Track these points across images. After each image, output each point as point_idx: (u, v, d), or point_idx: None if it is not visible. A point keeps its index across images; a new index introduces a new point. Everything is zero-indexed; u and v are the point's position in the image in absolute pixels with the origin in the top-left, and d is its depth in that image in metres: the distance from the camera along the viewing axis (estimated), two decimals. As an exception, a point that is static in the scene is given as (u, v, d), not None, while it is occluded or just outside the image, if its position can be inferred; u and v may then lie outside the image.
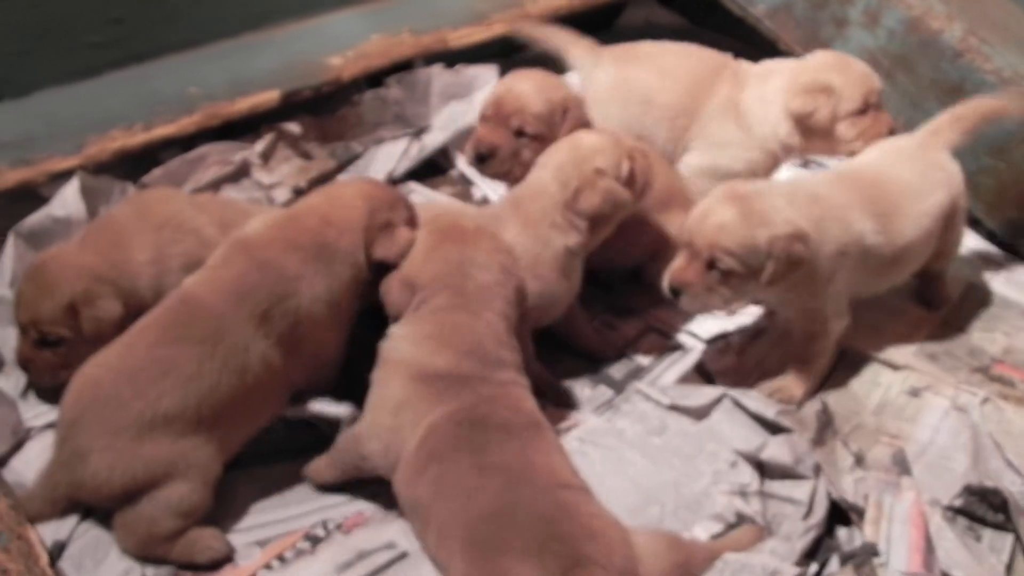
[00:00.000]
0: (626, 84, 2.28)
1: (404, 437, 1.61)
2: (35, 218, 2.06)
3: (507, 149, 1.99)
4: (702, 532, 1.67)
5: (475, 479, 1.52)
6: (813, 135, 2.16)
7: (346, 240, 1.73)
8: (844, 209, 1.89)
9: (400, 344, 1.68)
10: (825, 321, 1.92)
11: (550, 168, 1.90)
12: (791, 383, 1.94)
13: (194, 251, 1.86)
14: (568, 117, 2.02)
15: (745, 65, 2.32)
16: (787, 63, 2.28)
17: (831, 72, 2.15)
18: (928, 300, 2.19)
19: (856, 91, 2.13)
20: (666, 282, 1.82)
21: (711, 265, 1.78)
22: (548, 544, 1.44)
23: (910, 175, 2.01)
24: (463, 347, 1.65)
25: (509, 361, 1.68)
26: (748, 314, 2.13)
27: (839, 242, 1.87)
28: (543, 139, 1.99)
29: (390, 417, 1.63)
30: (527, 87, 2.03)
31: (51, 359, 1.80)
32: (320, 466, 1.74)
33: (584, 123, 2.06)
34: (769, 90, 2.20)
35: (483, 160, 2.00)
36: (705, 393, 1.90)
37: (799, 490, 1.72)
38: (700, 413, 1.87)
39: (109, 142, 2.15)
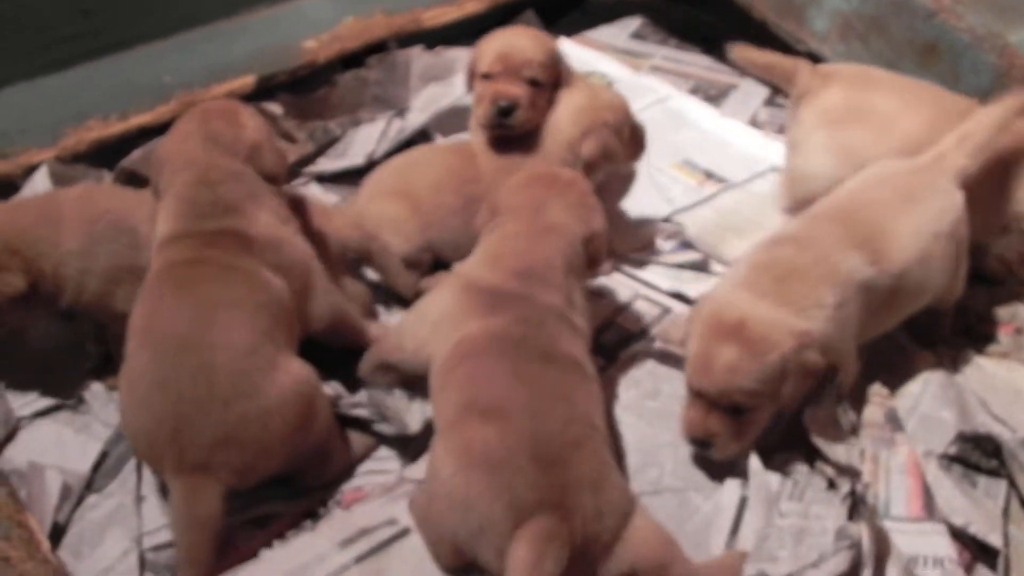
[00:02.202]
0: (862, 108, 2.10)
1: (440, 342, 1.63)
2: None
3: (527, 99, 2.02)
4: (699, 497, 1.70)
5: (504, 381, 1.54)
6: None
7: None
8: (824, 261, 1.72)
9: (463, 262, 1.76)
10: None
11: (567, 108, 2.02)
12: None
13: (123, 252, 1.83)
14: (564, 69, 2.11)
15: None
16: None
17: None
18: (924, 340, 1.99)
19: None
20: (687, 435, 1.70)
21: (735, 411, 1.67)
22: (539, 461, 1.45)
23: (890, 194, 1.85)
24: (517, 267, 1.68)
25: (560, 294, 1.69)
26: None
27: (832, 303, 1.69)
28: (551, 86, 2.06)
29: (431, 321, 1.68)
30: (527, 39, 2.08)
31: None
32: (362, 364, 1.81)
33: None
34: None
35: (507, 113, 2.01)
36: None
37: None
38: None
39: (86, 133, 2.14)
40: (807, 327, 1.65)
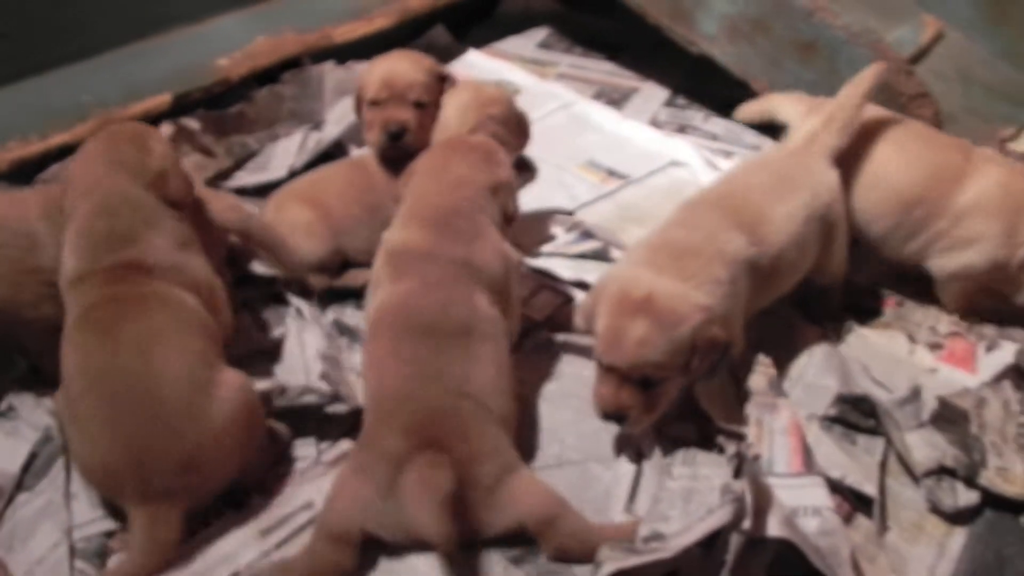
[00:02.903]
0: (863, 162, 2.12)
1: (370, 309, 1.82)
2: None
3: (415, 121, 2.14)
4: (599, 468, 1.81)
5: (392, 363, 1.70)
6: None
7: None
8: (712, 240, 1.80)
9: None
10: None
11: (453, 108, 2.11)
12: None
13: (21, 256, 1.84)
14: (447, 79, 2.22)
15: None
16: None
17: None
18: (813, 316, 2.10)
19: None
20: (600, 411, 1.74)
21: (645, 384, 1.71)
22: (422, 428, 1.62)
23: (767, 181, 1.95)
24: (427, 217, 1.85)
25: (465, 242, 1.83)
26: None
27: (726, 279, 1.78)
28: (435, 103, 2.17)
29: (369, 294, 1.87)
30: (407, 63, 2.19)
31: None
32: None
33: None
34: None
35: (398, 137, 2.13)
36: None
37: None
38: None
39: (6, 153, 2.20)
40: (709, 302, 1.73)
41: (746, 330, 2.03)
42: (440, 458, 1.58)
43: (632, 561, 1.57)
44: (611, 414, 1.73)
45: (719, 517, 1.59)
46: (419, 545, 1.61)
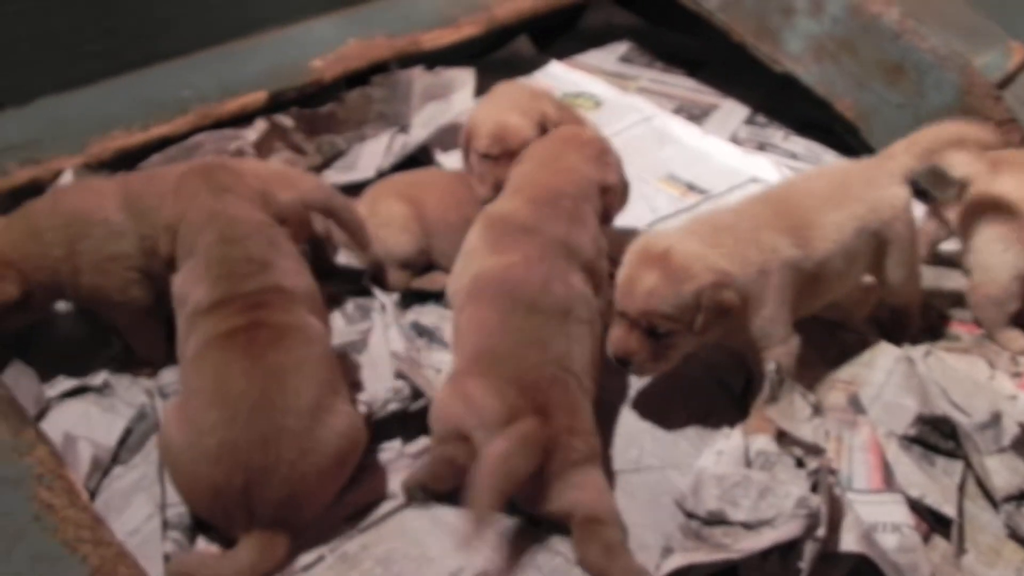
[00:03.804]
0: None
1: (463, 275, 1.87)
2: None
3: None
4: (676, 474, 1.83)
5: (498, 327, 1.76)
6: None
7: None
8: (755, 230, 1.85)
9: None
10: (765, 348, 1.88)
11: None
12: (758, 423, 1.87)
13: (101, 244, 1.91)
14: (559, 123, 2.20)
15: None
16: None
17: None
18: (891, 336, 2.11)
19: None
20: (610, 352, 1.82)
21: (651, 332, 1.78)
22: (522, 388, 1.67)
23: (825, 190, 1.96)
24: (532, 195, 1.90)
25: (566, 223, 1.88)
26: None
27: (756, 263, 1.82)
28: None
29: (464, 254, 1.91)
30: (518, 118, 2.15)
31: None
32: None
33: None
34: None
35: None
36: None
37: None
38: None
39: (110, 142, 2.27)
40: (729, 269, 1.78)
41: (822, 347, 2.06)
42: (536, 436, 1.61)
43: (698, 558, 1.60)
44: (619, 357, 1.81)
45: (791, 529, 1.60)
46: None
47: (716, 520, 1.66)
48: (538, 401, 1.67)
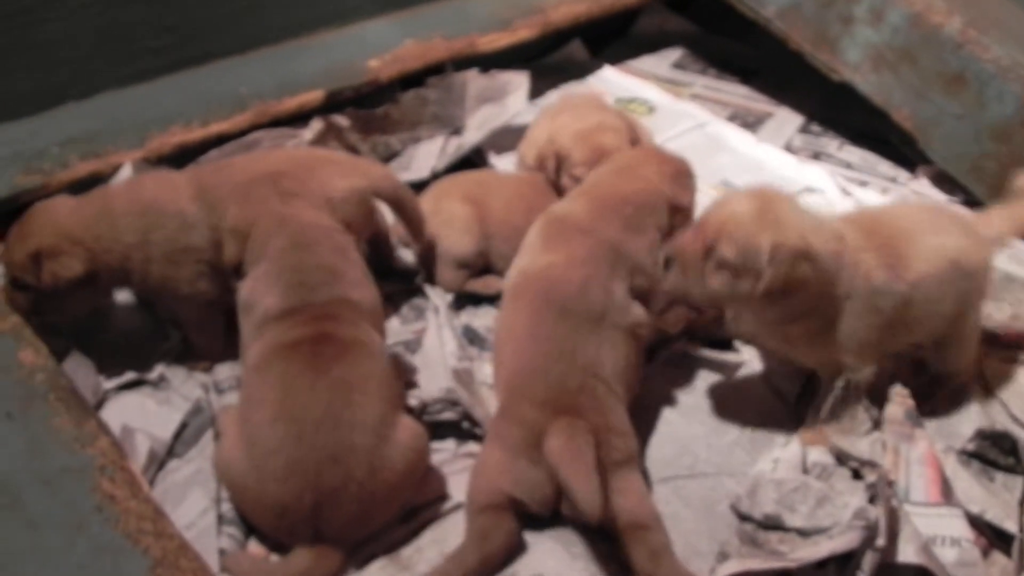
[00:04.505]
0: None
1: (513, 268, 1.89)
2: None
3: None
4: (731, 482, 1.81)
5: (529, 341, 1.76)
6: None
7: None
8: (855, 251, 1.75)
9: None
10: (840, 367, 1.80)
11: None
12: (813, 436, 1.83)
13: (175, 235, 1.91)
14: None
15: None
16: None
17: None
18: (916, 391, 1.90)
19: None
20: (665, 248, 1.78)
21: (711, 250, 1.68)
22: (558, 400, 1.67)
23: (921, 216, 1.88)
24: (596, 197, 1.91)
25: (622, 228, 1.87)
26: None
27: (847, 280, 1.73)
28: None
29: (517, 256, 1.91)
30: (612, 137, 2.19)
31: (23, 303, 1.88)
32: None
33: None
34: None
35: None
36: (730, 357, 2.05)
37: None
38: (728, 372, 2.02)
39: (169, 137, 2.29)
40: (820, 253, 1.67)
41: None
42: (579, 423, 1.62)
43: (754, 565, 1.59)
44: (668, 254, 1.76)
45: (849, 540, 1.59)
46: (555, 512, 1.67)
47: (772, 525, 1.66)
48: (567, 409, 1.66)
